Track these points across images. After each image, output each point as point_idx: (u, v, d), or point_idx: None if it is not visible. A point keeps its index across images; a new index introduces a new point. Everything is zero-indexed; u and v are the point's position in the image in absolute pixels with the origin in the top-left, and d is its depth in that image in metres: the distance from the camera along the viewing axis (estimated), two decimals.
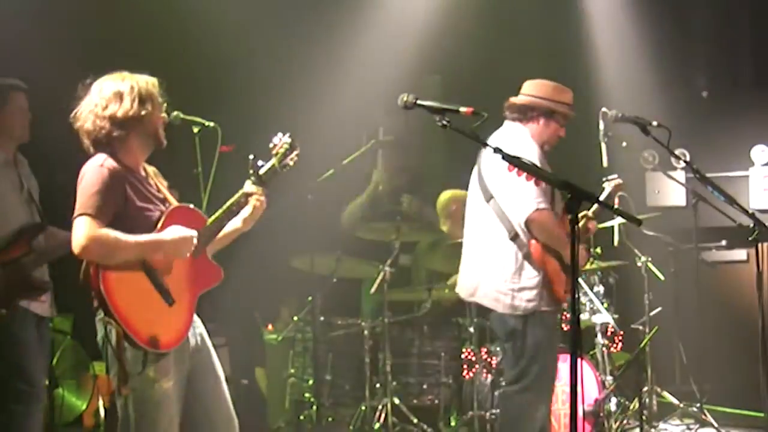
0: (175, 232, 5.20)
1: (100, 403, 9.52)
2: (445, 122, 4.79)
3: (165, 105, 5.44)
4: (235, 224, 5.57)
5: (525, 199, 6.54)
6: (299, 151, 5.72)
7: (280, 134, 5.71)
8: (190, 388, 5.28)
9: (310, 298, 8.81)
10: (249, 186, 5.53)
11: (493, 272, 6.76)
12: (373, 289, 8.79)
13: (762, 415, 6.98)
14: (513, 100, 6.90)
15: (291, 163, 5.69)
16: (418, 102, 4.90)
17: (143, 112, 5.24)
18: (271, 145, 5.67)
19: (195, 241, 5.26)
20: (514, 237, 6.65)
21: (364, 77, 10.67)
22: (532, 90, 6.90)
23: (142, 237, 5.11)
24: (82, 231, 4.99)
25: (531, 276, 6.64)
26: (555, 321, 6.79)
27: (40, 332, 6.77)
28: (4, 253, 6.52)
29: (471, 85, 10.19)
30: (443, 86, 11.23)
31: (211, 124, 6.27)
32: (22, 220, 6.70)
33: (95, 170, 5.13)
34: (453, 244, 8.83)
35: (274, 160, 5.63)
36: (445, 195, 9.66)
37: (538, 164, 6.52)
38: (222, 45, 10.23)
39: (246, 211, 5.54)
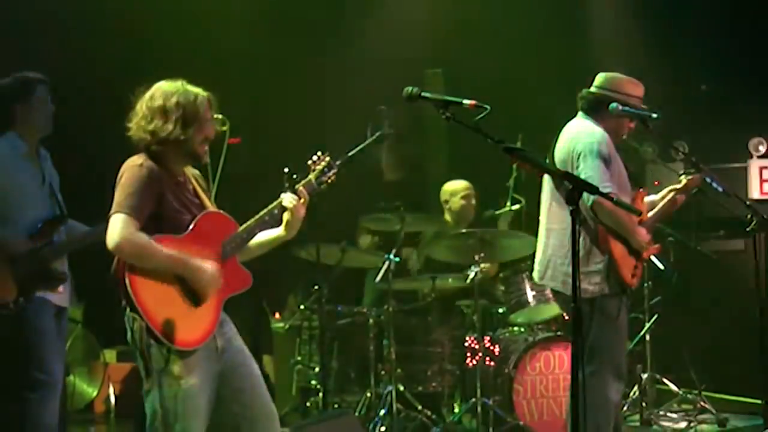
0: (209, 268, 5.18)
1: (111, 390, 9.56)
2: (448, 115, 4.79)
3: (213, 121, 5.42)
4: (277, 232, 5.52)
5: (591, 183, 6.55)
6: (336, 171, 5.65)
7: (319, 152, 5.64)
8: (225, 387, 5.28)
9: (316, 288, 8.82)
10: (286, 199, 5.43)
11: (562, 256, 6.76)
12: (378, 279, 8.80)
13: (760, 401, 6.99)
14: (586, 92, 6.89)
15: (328, 180, 5.62)
16: (423, 95, 4.91)
17: (183, 136, 5.22)
18: (309, 162, 5.59)
19: (219, 285, 5.25)
20: (582, 221, 6.64)
21: (368, 71, 10.69)
22: (604, 83, 6.86)
23: (175, 254, 5.11)
24: (117, 229, 5.00)
25: (597, 260, 6.62)
26: (620, 304, 6.75)
27: (58, 323, 6.79)
28: (26, 244, 6.55)
29: (473, 78, 10.19)
30: (445, 79, 11.24)
31: (219, 116, 6.28)
32: (43, 213, 6.72)
33: (134, 169, 5.15)
34: (455, 235, 8.85)
35: (311, 176, 5.56)
36: (444, 187, 9.70)
37: (606, 154, 6.61)
38: (229, 40, 10.26)
39: (285, 218, 5.46)
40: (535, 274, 6.97)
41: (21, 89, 6.82)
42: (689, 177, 7.21)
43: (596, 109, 6.82)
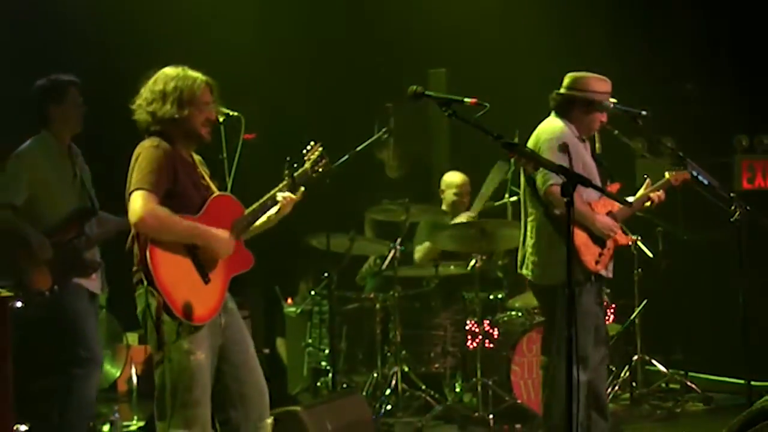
0: (222, 234, 5.22)
1: (133, 370, 9.59)
2: (450, 112, 4.79)
3: (214, 105, 5.43)
4: (262, 219, 5.55)
5: (542, 177, 6.58)
6: (327, 160, 5.70)
7: (312, 142, 5.70)
8: (223, 360, 5.30)
9: (326, 274, 8.83)
10: (279, 195, 5.49)
11: (533, 247, 6.80)
12: (384, 266, 8.80)
13: (742, 381, 6.99)
14: (555, 93, 6.90)
15: (320, 169, 5.67)
16: (426, 93, 4.90)
17: (178, 115, 5.23)
18: (304, 151, 5.66)
19: (231, 249, 5.28)
20: (547, 213, 6.68)
21: (376, 71, 10.70)
22: (571, 83, 6.87)
23: (194, 224, 5.15)
24: (140, 204, 5.01)
25: (561, 250, 6.61)
26: (585, 291, 6.74)
27: (92, 306, 6.87)
28: (59, 235, 6.65)
29: (474, 77, 10.18)
30: (448, 78, 11.25)
31: (235, 113, 6.28)
32: (73, 206, 6.80)
33: (151, 150, 5.16)
34: (456, 225, 8.86)
35: (307, 165, 5.63)
36: (443, 177, 9.70)
37: (563, 149, 6.62)
38: (243, 42, 10.28)
39: (273, 210, 5.51)
40: (519, 265, 7.01)
41: (54, 90, 6.91)
42: (673, 173, 7.22)
43: (565, 109, 6.86)
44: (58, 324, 6.76)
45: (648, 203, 7.13)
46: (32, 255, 6.61)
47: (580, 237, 6.65)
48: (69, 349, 6.77)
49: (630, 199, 7.05)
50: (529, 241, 6.83)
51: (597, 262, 6.73)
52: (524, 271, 6.90)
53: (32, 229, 6.64)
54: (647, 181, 7.21)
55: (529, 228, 6.86)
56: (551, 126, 6.80)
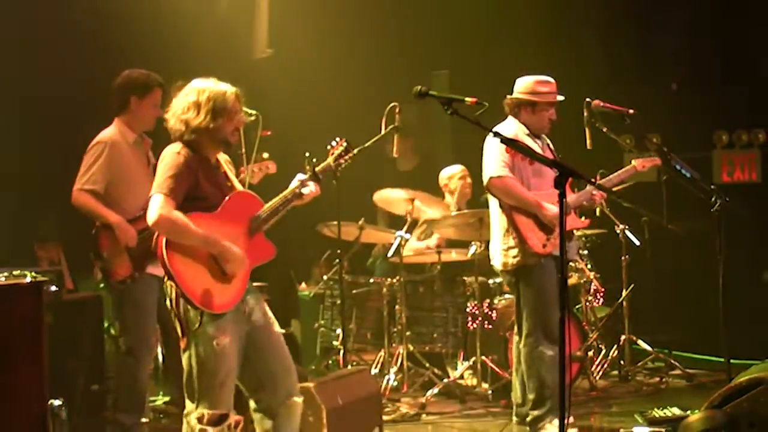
0: (236, 251, 5.20)
1: (159, 349, 9.60)
2: (452, 110, 4.82)
3: (241, 113, 5.42)
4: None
5: (485, 171, 6.80)
6: (352, 154, 5.73)
7: (337, 138, 5.71)
8: (250, 345, 5.32)
9: (337, 260, 8.86)
10: (305, 189, 5.51)
11: (495, 236, 6.92)
12: (390, 253, 8.83)
13: (722, 359, 7.03)
14: (507, 97, 7.03)
15: (344, 162, 5.71)
16: (430, 93, 4.93)
17: (212, 125, 5.23)
18: (328, 147, 5.69)
19: (245, 266, 5.27)
20: (500, 204, 6.80)
21: (382, 72, 10.71)
22: (518, 87, 7.04)
23: (207, 235, 5.13)
24: (156, 207, 5.06)
25: (513, 236, 6.79)
26: (540, 272, 6.81)
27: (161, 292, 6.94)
28: (139, 222, 6.58)
29: (475, 78, 10.19)
30: (450, 79, 11.26)
31: (253, 112, 6.30)
32: (149, 192, 6.83)
33: (172, 156, 5.20)
34: (457, 215, 8.89)
35: (330, 159, 5.65)
36: (441, 173, 9.71)
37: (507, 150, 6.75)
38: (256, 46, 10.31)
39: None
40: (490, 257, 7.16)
41: (140, 83, 6.89)
42: (639, 160, 7.30)
43: (516, 111, 7.02)
44: (123, 315, 6.81)
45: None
46: (116, 243, 6.65)
47: (525, 223, 6.76)
48: (122, 339, 6.83)
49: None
50: (495, 233, 7.00)
51: (545, 246, 6.78)
52: (494, 261, 7.07)
53: (119, 217, 6.66)
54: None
55: (494, 221, 7.03)
56: (502, 127, 6.89)
